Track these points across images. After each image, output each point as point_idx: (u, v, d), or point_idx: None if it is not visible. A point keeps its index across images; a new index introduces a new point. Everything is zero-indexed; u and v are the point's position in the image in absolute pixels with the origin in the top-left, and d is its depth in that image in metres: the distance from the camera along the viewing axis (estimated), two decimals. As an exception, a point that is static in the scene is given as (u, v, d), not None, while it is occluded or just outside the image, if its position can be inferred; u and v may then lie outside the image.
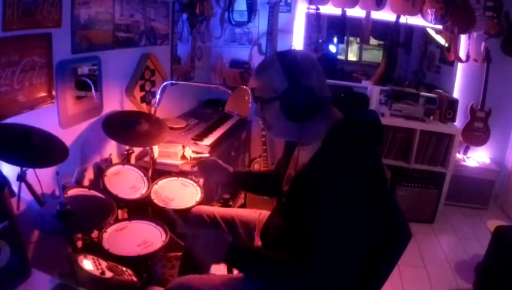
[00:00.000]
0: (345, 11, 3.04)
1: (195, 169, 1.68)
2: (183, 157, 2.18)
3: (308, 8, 3.09)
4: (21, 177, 1.36)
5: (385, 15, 3.02)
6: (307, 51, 2.73)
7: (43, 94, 1.58)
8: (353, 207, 0.98)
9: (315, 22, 3.13)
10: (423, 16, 2.92)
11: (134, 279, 1.39)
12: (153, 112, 2.13)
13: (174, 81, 2.27)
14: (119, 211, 1.78)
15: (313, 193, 1.01)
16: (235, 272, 1.54)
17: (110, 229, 1.57)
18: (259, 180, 1.59)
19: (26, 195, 1.43)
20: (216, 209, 1.55)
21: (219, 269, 1.64)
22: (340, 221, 0.98)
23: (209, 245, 1.07)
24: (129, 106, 2.21)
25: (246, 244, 1.24)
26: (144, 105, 2.31)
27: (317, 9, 3.06)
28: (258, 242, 1.41)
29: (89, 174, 1.90)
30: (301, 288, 1.02)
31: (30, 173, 1.40)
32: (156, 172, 2.02)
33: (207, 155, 2.20)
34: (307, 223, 1.03)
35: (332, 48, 3.54)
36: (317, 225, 1.00)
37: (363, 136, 1.08)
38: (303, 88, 1.04)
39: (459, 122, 3.17)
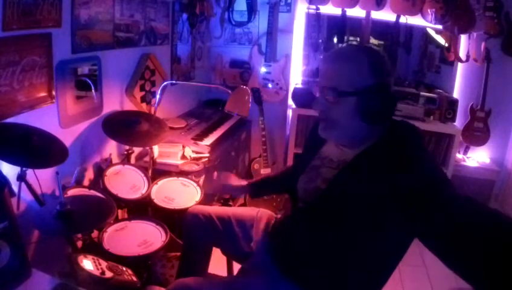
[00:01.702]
0: (345, 11, 3.03)
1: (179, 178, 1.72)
2: (183, 157, 2.18)
3: (308, 8, 3.09)
4: (21, 177, 1.36)
5: (385, 15, 3.02)
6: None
7: (43, 94, 1.58)
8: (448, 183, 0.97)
9: (315, 22, 3.13)
10: (423, 16, 2.92)
11: (134, 279, 1.39)
12: (153, 112, 2.14)
13: (174, 81, 2.27)
14: (119, 211, 1.78)
15: (386, 181, 0.95)
16: (235, 272, 1.54)
17: (110, 229, 1.57)
18: (275, 184, 1.58)
19: (26, 195, 1.43)
20: (212, 209, 1.54)
21: (218, 269, 1.64)
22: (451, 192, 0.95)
23: None
24: (129, 106, 2.21)
25: None
26: (143, 105, 2.31)
27: (317, 9, 3.06)
28: (256, 242, 1.40)
29: (89, 174, 1.90)
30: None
31: (30, 172, 1.41)
32: (156, 172, 2.02)
33: (207, 155, 2.20)
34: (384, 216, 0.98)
35: (332, 48, 3.53)
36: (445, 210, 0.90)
37: (418, 134, 1.11)
38: (387, 89, 1.00)
39: (459, 122, 3.17)
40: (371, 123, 1.01)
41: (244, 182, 1.55)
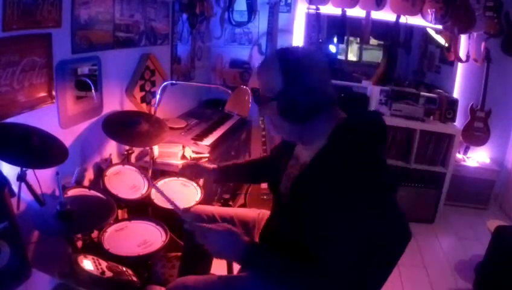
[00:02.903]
0: (345, 11, 3.04)
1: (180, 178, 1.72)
2: (183, 157, 2.18)
3: (308, 8, 3.09)
4: (21, 177, 1.36)
5: (385, 15, 3.02)
6: (312, 48, 2.73)
7: (43, 94, 1.58)
8: (360, 206, 0.97)
9: (315, 22, 3.13)
10: (423, 16, 2.92)
11: (134, 279, 1.39)
12: (153, 112, 2.13)
13: (174, 81, 2.27)
14: (119, 211, 1.78)
15: (318, 193, 1.00)
16: (235, 271, 1.54)
17: (110, 229, 1.57)
18: (247, 170, 1.59)
19: (26, 195, 1.43)
20: (215, 209, 1.55)
21: (219, 269, 1.64)
22: (348, 221, 0.97)
23: (224, 243, 1.06)
24: (129, 106, 2.21)
25: (262, 244, 1.20)
26: (143, 105, 2.31)
27: (317, 9, 3.06)
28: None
29: (89, 174, 1.90)
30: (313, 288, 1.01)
31: (30, 173, 1.41)
32: (156, 172, 2.02)
33: (207, 155, 2.20)
34: (313, 223, 1.02)
35: (332, 48, 3.54)
36: (326, 225, 0.99)
37: (368, 135, 1.07)
38: (299, 89, 1.02)
39: (459, 122, 3.17)
40: (293, 122, 1.07)
41: (214, 166, 1.57)
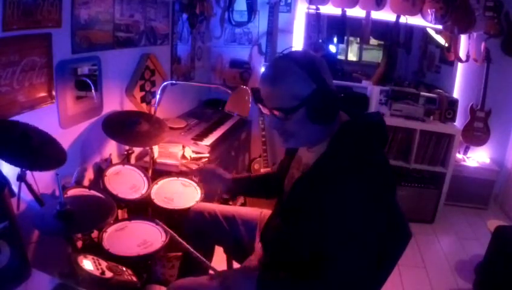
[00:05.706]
0: (345, 11, 3.04)
1: (195, 178, 1.67)
2: (183, 157, 2.18)
3: (308, 8, 3.09)
4: (21, 177, 1.36)
5: (385, 15, 3.02)
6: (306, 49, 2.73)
7: (43, 94, 1.58)
8: (364, 214, 0.97)
9: (315, 22, 3.13)
10: (423, 16, 2.92)
11: (134, 279, 1.39)
12: (153, 112, 2.13)
13: (174, 81, 2.27)
14: (119, 211, 1.78)
15: (320, 198, 1.00)
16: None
17: (110, 229, 1.57)
18: (259, 184, 1.58)
19: (26, 195, 1.43)
20: (217, 207, 1.55)
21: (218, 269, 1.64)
22: (353, 229, 0.97)
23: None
24: (129, 106, 2.21)
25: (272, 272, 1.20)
26: (143, 105, 2.31)
27: (317, 9, 3.06)
28: (258, 241, 1.41)
29: (89, 174, 1.90)
30: None
31: (30, 173, 1.40)
32: (156, 172, 2.02)
33: (207, 155, 2.20)
34: (313, 229, 1.03)
35: (332, 48, 3.54)
36: (327, 233, 1.00)
37: (371, 138, 1.07)
38: (329, 89, 1.02)
39: (459, 122, 3.17)
40: (323, 123, 1.04)
41: (229, 176, 1.51)
